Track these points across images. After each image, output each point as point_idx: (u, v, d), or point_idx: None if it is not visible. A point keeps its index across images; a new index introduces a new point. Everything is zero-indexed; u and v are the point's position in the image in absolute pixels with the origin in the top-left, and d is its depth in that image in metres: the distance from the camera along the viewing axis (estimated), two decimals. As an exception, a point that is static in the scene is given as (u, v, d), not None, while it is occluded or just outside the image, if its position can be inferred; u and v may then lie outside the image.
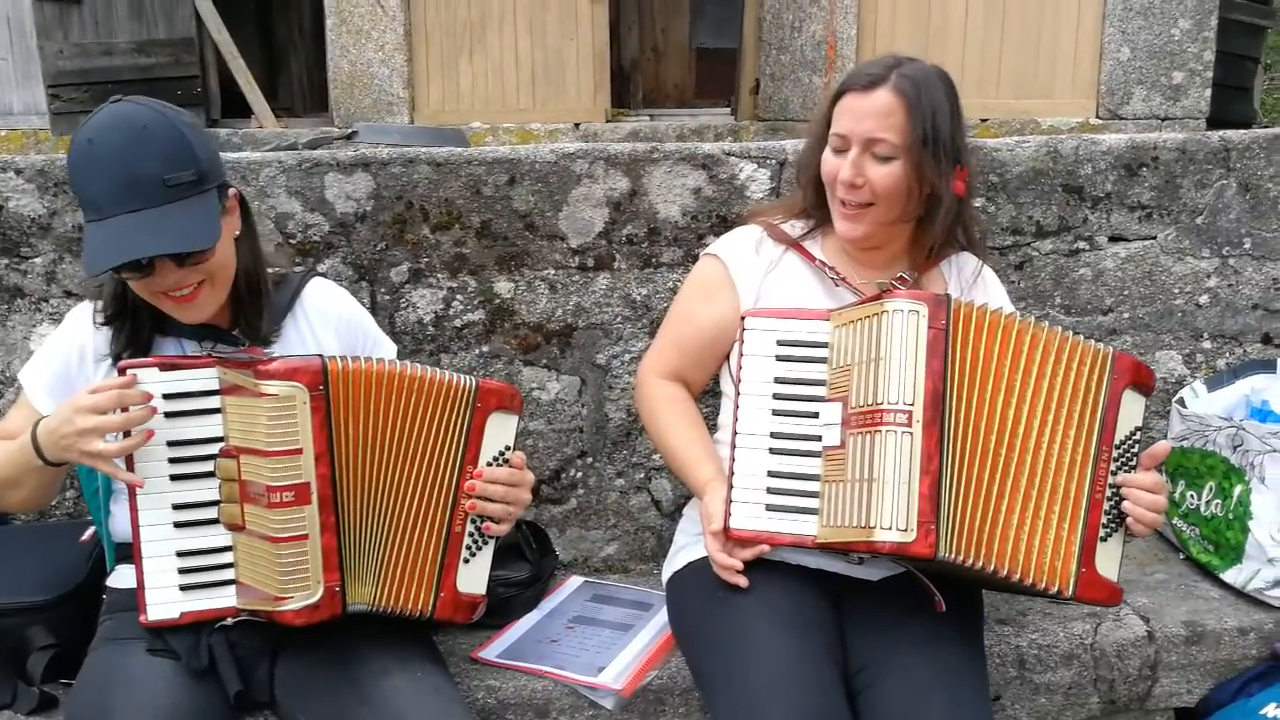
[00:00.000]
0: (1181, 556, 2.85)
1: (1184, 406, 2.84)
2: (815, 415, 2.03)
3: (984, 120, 6.49)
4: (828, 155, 2.14)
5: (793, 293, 2.21)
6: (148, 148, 1.84)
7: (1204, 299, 2.95)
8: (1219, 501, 2.68)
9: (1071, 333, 2.03)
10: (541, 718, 2.25)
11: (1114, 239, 2.90)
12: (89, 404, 1.84)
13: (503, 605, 2.48)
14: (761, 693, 1.88)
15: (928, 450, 1.90)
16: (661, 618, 2.39)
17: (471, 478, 2.01)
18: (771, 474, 2.04)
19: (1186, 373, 2.97)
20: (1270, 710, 2.43)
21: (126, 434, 1.87)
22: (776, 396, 2.06)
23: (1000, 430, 1.97)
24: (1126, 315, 2.92)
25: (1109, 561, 2.04)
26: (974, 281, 2.29)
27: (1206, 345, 2.97)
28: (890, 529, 1.88)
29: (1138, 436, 2.08)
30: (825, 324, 2.05)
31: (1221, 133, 2.92)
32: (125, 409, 1.85)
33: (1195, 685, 2.52)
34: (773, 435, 2.05)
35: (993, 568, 1.94)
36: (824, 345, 2.04)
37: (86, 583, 2.29)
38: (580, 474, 2.83)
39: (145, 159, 1.83)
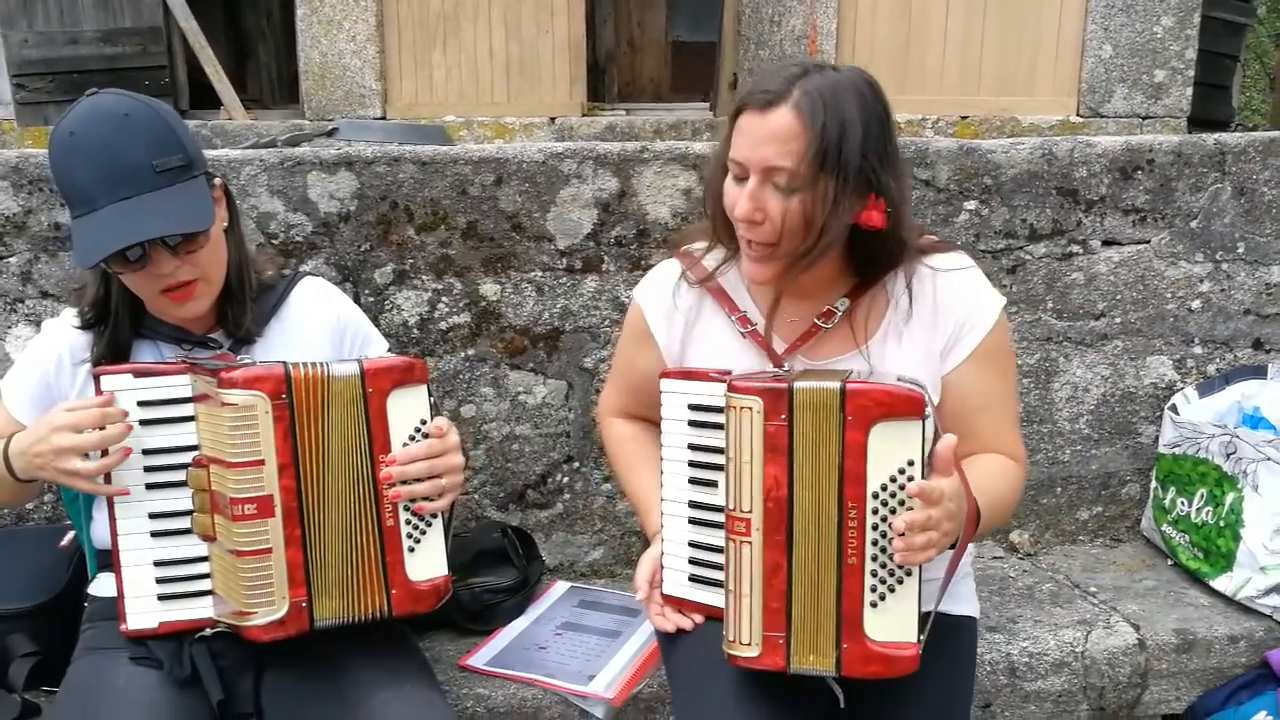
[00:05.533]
0: (1170, 563, 2.86)
1: (1176, 413, 2.84)
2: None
3: (964, 117, 6.48)
4: (729, 184, 1.85)
5: (713, 348, 2.04)
6: (132, 135, 1.80)
7: (1196, 304, 2.94)
8: (1210, 509, 2.68)
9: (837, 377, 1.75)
10: (531, 729, 2.23)
11: (1107, 243, 2.88)
12: (67, 422, 1.80)
13: (489, 611, 2.48)
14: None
15: (771, 561, 1.75)
16: (649, 624, 2.36)
17: (386, 466, 1.92)
18: (691, 544, 1.95)
19: (1177, 378, 2.96)
20: (1259, 718, 2.44)
21: (104, 452, 1.82)
22: (691, 464, 1.93)
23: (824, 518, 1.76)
24: (1118, 320, 2.91)
25: (890, 626, 1.74)
26: (922, 293, 1.95)
27: (1197, 351, 2.96)
28: (736, 642, 1.78)
29: (910, 471, 1.70)
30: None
31: (1217, 136, 2.92)
32: (103, 427, 1.81)
33: (1184, 693, 2.54)
34: (690, 505, 1.94)
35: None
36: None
37: (67, 589, 2.27)
38: (566, 479, 2.80)
39: (131, 146, 1.79)
